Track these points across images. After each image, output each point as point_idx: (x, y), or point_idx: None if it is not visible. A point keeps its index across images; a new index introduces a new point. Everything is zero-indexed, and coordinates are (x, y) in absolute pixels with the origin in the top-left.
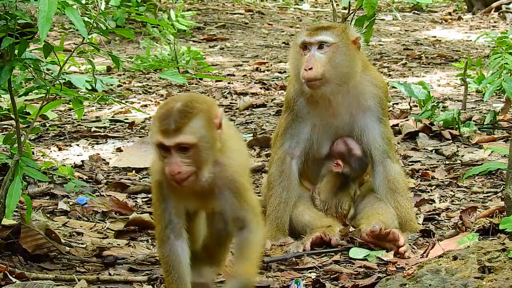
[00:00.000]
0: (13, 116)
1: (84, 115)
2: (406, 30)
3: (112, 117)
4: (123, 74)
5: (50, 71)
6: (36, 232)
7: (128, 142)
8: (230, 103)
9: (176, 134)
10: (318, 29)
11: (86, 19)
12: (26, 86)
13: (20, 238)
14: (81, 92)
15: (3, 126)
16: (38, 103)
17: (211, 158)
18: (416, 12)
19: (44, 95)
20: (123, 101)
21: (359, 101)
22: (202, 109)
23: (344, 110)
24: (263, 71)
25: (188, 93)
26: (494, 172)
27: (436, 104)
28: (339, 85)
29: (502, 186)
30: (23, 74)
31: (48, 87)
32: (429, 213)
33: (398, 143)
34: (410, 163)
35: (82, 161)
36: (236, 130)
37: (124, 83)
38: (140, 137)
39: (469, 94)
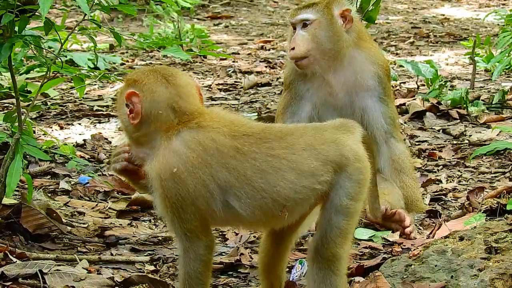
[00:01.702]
0: (14, 94)
1: (86, 93)
2: (414, 8)
3: (115, 95)
4: (126, 52)
5: (51, 49)
6: (37, 212)
7: None
8: (235, 81)
9: None
10: (300, 8)
11: None
12: (28, 64)
13: (20, 218)
14: (83, 70)
15: (4, 105)
16: (39, 81)
17: None
18: None
19: (45, 73)
20: (124, 80)
21: (356, 79)
22: None
23: (341, 89)
24: (268, 50)
25: None
26: (502, 152)
27: (443, 83)
28: (327, 61)
29: (510, 166)
30: (23, 51)
31: (49, 65)
32: (435, 193)
33: (405, 122)
34: (417, 143)
35: (84, 140)
36: None
37: (127, 61)
38: None
39: (477, 73)
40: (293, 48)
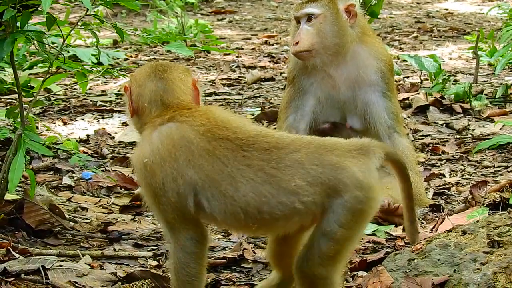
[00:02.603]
0: (16, 89)
1: (89, 89)
2: (417, 3)
3: (118, 91)
4: (130, 48)
5: (55, 44)
6: (40, 207)
7: None
8: (238, 76)
9: None
10: (305, 1)
11: None
12: (31, 59)
13: (23, 213)
14: (86, 65)
15: (7, 100)
16: (42, 77)
17: None
18: None
19: (47, 68)
20: (129, 75)
21: (359, 74)
22: None
23: (344, 84)
24: (272, 45)
25: None
26: (505, 146)
27: (447, 78)
28: (331, 55)
29: None
30: (25, 47)
31: (51, 60)
32: (439, 187)
33: (408, 116)
34: (420, 137)
35: (87, 135)
36: None
37: (131, 56)
38: None
39: (480, 67)
40: (297, 43)
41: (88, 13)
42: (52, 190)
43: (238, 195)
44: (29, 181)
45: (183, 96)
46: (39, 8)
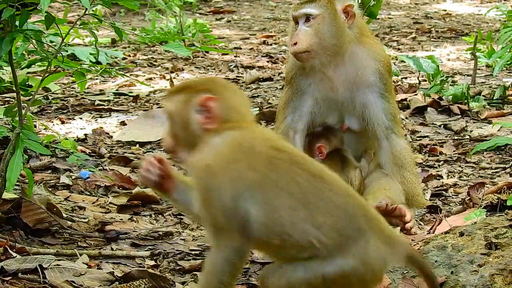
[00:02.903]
0: (14, 88)
1: (87, 88)
2: (416, 3)
3: (116, 90)
4: (128, 47)
5: (53, 43)
6: (37, 206)
7: (132, 115)
8: (237, 76)
9: None
10: (303, 2)
11: None
12: (29, 58)
13: (21, 212)
14: (84, 64)
15: (5, 99)
16: (40, 76)
17: None
18: None
19: (46, 67)
20: (127, 74)
21: (357, 75)
22: None
23: (342, 85)
24: (270, 45)
25: None
26: (503, 147)
27: (445, 79)
28: (329, 56)
29: (510, 162)
30: (24, 45)
31: (49, 59)
32: (436, 188)
33: (406, 117)
34: (418, 138)
35: (85, 134)
36: None
37: (129, 55)
38: (144, 110)
39: (479, 69)
40: (295, 43)
41: (86, 12)
42: (50, 189)
43: (277, 206)
44: (26, 180)
45: (249, 111)
46: (37, 7)
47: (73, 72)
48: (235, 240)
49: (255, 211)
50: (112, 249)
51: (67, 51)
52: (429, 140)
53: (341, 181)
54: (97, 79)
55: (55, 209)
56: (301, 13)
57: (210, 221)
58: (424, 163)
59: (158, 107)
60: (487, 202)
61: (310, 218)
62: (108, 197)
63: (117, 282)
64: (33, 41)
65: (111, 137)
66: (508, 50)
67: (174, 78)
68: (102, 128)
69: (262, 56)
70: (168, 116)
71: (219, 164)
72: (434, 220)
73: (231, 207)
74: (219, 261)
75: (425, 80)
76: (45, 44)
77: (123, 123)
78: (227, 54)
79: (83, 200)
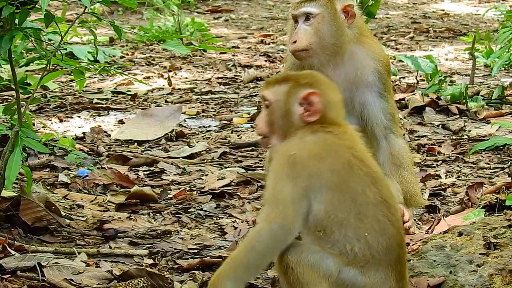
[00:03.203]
0: (13, 86)
1: (86, 86)
2: (414, 3)
3: (115, 88)
4: (126, 46)
5: (52, 41)
6: (36, 205)
7: (130, 114)
8: (235, 75)
9: None
10: (303, 0)
11: None
12: (28, 56)
13: (19, 210)
14: (82, 63)
15: (4, 97)
16: (39, 74)
17: None
18: None
19: (45, 65)
20: (125, 73)
21: (356, 75)
22: None
23: (342, 85)
24: (268, 44)
25: None
26: (501, 147)
27: (443, 78)
28: (328, 56)
29: (509, 162)
30: (23, 44)
31: (48, 57)
32: (435, 188)
33: (405, 117)
34: (416, 138)
35: (84, 133)
36: None
37: (127, 54)
38: (142, 109)
39: (477, 69)
40: (295, 42)
41: (86, 10)
42: (48, 187)
43: (338, 208)
44: (25, 178)
45: (342, 110)
46: (37, 5)
47: (72, 70)
48: (287, 221)
49: (318, 207)
50: (110, 247)
51: (66, 49)
52: (427, 139)
53: (398, 212)
54: (95, 77)
55: (53, 207)
56: (301, 12)
57: (272, 195)
58: (422, 163)
59: (156, 106)
60: (486, 202)
61: (358, 229)
62: (107, 196)
63: (116, 281)
64: (32, 39)
65: (109, 135)
66: (507, 50)
67: (172, 77)
68: (100, 126)
69: (260, 55)
70: (267, 104)
71: (302, 156)
72: (433, 219)
73: (299, 197)
74: (265, 235)
75: (423, 80)
76: (44, 43)
77: (121, 122)
78: (225, 53)
79: (82, 199)
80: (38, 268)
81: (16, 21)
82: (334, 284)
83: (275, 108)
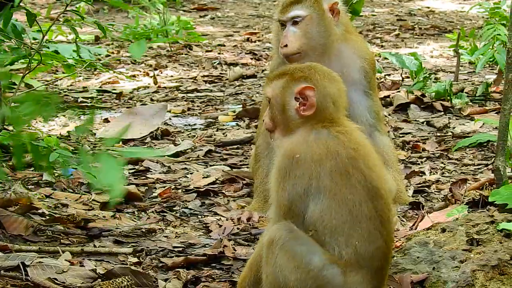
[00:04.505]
0: None
1: (71, 85)
2: (399, 1)
3: (100, 87)
4: (112, 44)
5: (37, 40)
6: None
7: (115, 113)
8: (220, 73)
9: None
10: (289, 4)
11: None
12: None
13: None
14: (69, 59)
15: None
16: (23, 73)
17: None
18: None
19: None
20: (111, 71)
21: (343, 73)
22: None
23: None
24: (254, 42)
25: None
26: (485, 144)
27: (428, 76)
28: (318, 55)
29: (492, 158)
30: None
31: (27, 54)
32: (419, 185)
33: (389, 114)
34: (401, 135)
35: (68, 131)
36: None
37: (113, 53)
38: (127, 107)
39: (461, 66)
40: (286, 45)
41: (67, 8)
42: (33, 187)
43: (333, 213)
44: (9, 177)
45: (345, 100)
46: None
47: (62, 65)
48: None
49: (313, 209)
50: (95, 246)
51: (48, 47)
52: (412, 136)
53: (391, 225)
54: (80, 76)
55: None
56: (289, 17)
57: (277, 200)
58: (406, 160)
59: (141, 104)
60: (469, 199)
61: (349, 237)
62: (91, 194)
63: (100, 279)
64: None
65: (94, 134)
66: (491, 47)
67: (158, 75)
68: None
69: (245, 53)
70: (268, 100)
71: (305, 159)
72: (417, 216)
73: (299, 197)
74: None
75: (408, 77)
76: (27, 41)
77: (106, 120)
78: (211, 51)
79: (66, 197)
80: (21, 267)
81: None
82: (312, 279)
83: (273, 103)
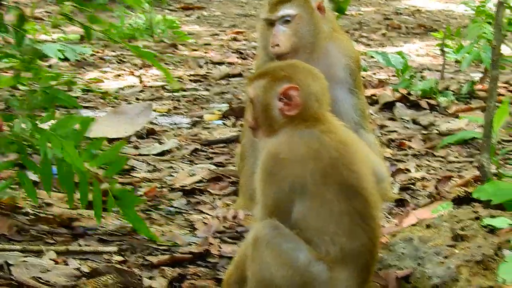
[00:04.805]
0: None
1: (56, 84)
2: (386, 0)
3: (85, 86)
4: (97, 43)
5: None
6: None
7: (100, 112)
8: (206, 72)
9: None
10: (278, 2)
11: None
12: None
13: None
14: (52, 59)
15: None
16: (6, 72)
17: None
18: None
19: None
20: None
21: (329, 72)
22: None
23: None
24: (240, 41)
25: None
26: (470, 141)
27: (414, 74)
28: (307, 54)
29: (477, 156)
30: None
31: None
32: (404, 182)
33: (375, 113)
34: (387, 133)
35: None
36: None
37: (98, 52)
38: (113, 107)
39: (447, 64)
40: (277, 45)
41: (52, 7)
42: (17, 186)
43: (317, 214)
44: None
45: (326, 100)
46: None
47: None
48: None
49: (298, 209)
50: (79, 245)
51: (29, 46)
52: (397, 134)
53: (375, 221)
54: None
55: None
56: (278, 16)
57: (263, 200)
58: (392, 158)
59: (127, 103)
60: (455, 195)
61: (333, 235)
62: (76, 193)
63: (84, 278)
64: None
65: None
66: (476, 45)
67: (143, 74)
68: None
69: (232, 52)
70: (250, 100)
71: (289, 159)
72: (402, 213)
73: (284, 197)
74: (265, 232)
75: (395, 76)
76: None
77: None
78: (197, 50)
79: (50, 196)
80: (5, 266)
81: None
82: (298, 275)
83: (255, 104)
